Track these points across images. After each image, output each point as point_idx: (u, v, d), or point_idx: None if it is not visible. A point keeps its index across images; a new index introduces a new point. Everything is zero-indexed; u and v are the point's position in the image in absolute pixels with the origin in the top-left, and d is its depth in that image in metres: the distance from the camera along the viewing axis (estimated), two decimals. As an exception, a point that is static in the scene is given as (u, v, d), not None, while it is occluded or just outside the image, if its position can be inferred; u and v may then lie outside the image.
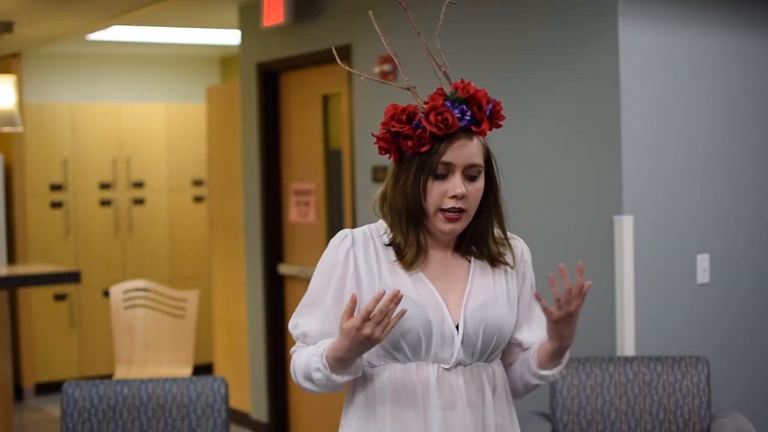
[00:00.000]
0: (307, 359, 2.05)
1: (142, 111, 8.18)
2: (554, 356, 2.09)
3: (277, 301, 6.13)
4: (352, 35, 5.04)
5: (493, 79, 4.38)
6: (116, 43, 7.72)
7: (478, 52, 4.45)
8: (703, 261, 4.07)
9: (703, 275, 4.07)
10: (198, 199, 8.33)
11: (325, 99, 5.77)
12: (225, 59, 8.69)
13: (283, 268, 6.07)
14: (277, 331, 6.10)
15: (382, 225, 2.14)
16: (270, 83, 6.09)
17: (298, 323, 2.13)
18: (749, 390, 4.25)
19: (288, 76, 6.03)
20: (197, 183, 8.32)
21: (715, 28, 4.11)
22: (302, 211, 5.94)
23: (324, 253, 2.14)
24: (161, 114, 8.22)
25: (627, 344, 3.85)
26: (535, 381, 2.16)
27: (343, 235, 2.12)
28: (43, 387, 7.80)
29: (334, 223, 5.74)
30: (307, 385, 2.07)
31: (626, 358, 3.77)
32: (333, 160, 5.74)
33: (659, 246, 3.95)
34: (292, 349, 2.15)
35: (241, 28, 6.27)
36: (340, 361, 1.99)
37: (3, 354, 5.95)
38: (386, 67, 4.93)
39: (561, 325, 2.00)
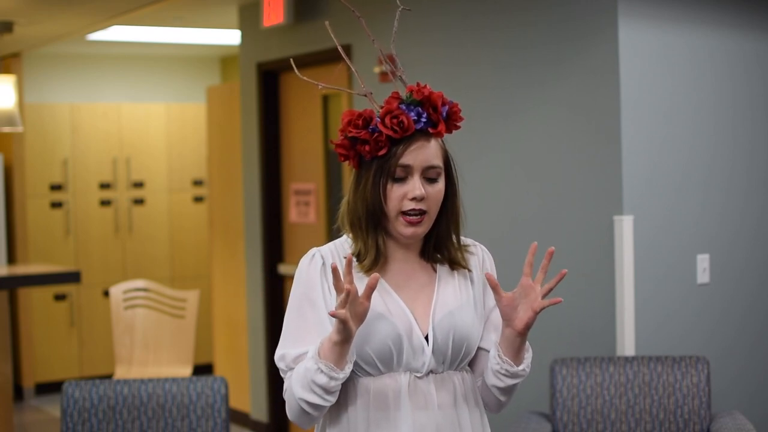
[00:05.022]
0: (303, 373, 2.00)
1: (142, 111, 8.18)
2: (516, 347, 2.07)
3: (277, 301, 6.13)
4: (352, 35, 5.04)
5: (492, 77, 4.38)
6: (116, 43, 7.72)
7: (477, 49, 4.45)
8: (703, 261, 4.07)
9: (703, 275, 4.08)
10: (198, 199, 8.33)
11: (325, 99, 5.77)
12: (225, 59, 8.69)
13: (283, 268, 6.07)
14: (277, 331, 6.10)
15: (344, 239, 2.15)
16: (270, 83, 6.09)
17: (286, 354, 2.08)
18: (749, 390, 4.25)
19: (288, 76, 6.03)
20: (197, 183, 8.32)
21: (718, 25, 4.11)
22: (302, 211, 5.94)
23: (296, 276, 2.12)
24: (161, 114, 8.22)
25: (627, 344, 3.85)
26: (510, 381, 2.10)
27: (312, 255, 2.12)
28: (43, 387, 7.80)
29: (334, 223, 5.74)
30: (310, 396, 2.00)
31: (626, 358, 3.77)
32: (333, 160, 5.74)
33: (659, 246, 3.95)
34: (284, 388, 2.08)
35: (241, 28, 6.27)
36: (335, 349, 1.95)
37: (3, 354, 5.95)
38: (385, 68, 4.93)
39: (510, 309, 2.04)
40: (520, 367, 2.10)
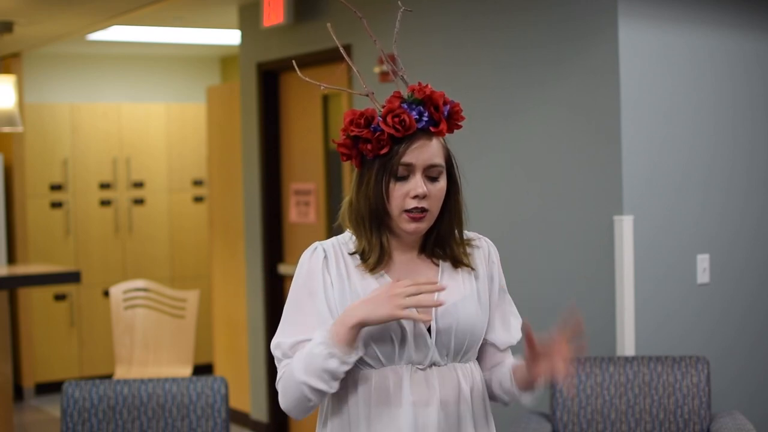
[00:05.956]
0: (309, 360, 2.00)
1: (142, 111, 8.18)
2: (530, 382, 2.12)
3: (277, 301, 6.13)
4: (352, 35, 5.04)
5: (492, 77, 4.38)
6: (116, 43, 7.72)
7: (477, 49, 4.45)
8: (703, 261, 4.07)
9: (703, 275, 4.08)
10: (198, 199, 8.33)
11: (325, 99, 5.77)
12: (225, 59, 8.69)
13: (283, 268, 6.07)
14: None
15: (347, 236, 2.15)
16: (270, 83, 6.09)
17: (282, 342, 2.09)
18: (749, 390, 4.25)
19: (288, 76, 6.03)
20: (197, 183, 8.32)
21: (718, 25, 4.11)
22: (302, 211, 5.94)
23: (298, 268, 2.13)
24: (161, 114, 8.22)
25: (627, 344, 3.85)
26: (513, 401, 2.19)
27: (314, 248, 2.13)
28: (43, 387, 7.80)
29: (334, 223, 5.74)
30: (315, 382, 1.99)
31: (626, 358, 3.77)
32: (333, 160, 5.74)
33: (659, 246, 3.95)
34: (278, 378, 2.07)
35: (241, 28, 6.27)
36: (351, 332, 1.97)
37: (3, 354, 5.95)
38: (387, 68, 4.93)
39: (537, 363, 2.05)
40: (526, 399, 2.16)
